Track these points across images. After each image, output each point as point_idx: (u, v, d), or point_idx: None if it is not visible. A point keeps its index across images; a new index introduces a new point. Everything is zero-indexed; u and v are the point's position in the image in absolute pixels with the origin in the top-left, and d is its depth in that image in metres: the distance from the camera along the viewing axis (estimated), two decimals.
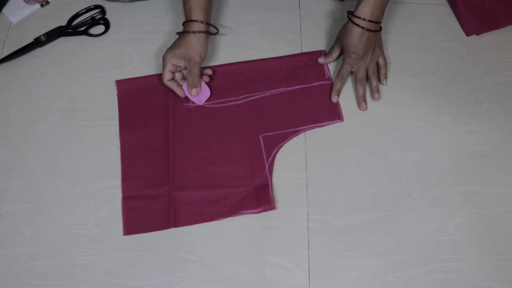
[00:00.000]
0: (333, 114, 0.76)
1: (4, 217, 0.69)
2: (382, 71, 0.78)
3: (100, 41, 0.83)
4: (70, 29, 0.84)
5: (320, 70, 0.80)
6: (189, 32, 0.72)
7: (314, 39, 0.83)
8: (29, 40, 0.81)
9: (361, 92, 0.77)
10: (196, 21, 0.72)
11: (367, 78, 0.78)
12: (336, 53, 0.79)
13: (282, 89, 0.78)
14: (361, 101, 0.76)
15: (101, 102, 0.77)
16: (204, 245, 0.67)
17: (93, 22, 0.84)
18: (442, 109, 0.77)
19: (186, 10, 0.73)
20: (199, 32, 0.72)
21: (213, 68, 0.80)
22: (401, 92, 0.78)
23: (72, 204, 0.69)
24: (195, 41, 0.72)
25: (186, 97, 0.76)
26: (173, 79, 0.75)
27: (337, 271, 0.66)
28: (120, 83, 0.78)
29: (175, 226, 0.68)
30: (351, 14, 0.75)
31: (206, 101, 0.77)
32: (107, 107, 0.77)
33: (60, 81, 0.79)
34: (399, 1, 0.87)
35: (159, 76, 0.76)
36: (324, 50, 0.82)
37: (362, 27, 0.73)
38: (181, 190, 0.70)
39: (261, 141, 0.74)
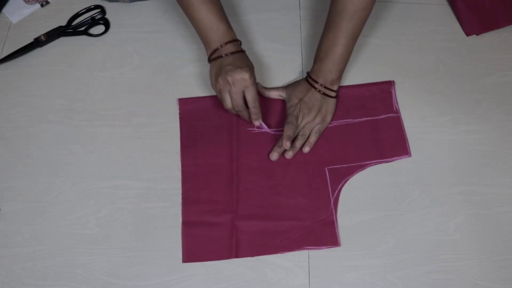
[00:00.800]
0: (401, 149, 0.73)
1: (4, 217, 0.69)
2: (312, 139, 0.72)
3: (100, 41, 0.83)
4: (70, 29, 0.84)
5: (389, 102, 0.77)
6: (243, 51, 0.69)
7: (314, 39, 0.83)
8: (29, 40, 0.81)
9: (297, 144, 0.71)
10: (236, 40, 0.69)
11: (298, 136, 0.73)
12: (276, 92, 0.75)
13: (349, 120, 0.75)
14: (286, 150, 0.71)
15: (101, 102, 0.77)
16: None
17: (93, 22, 0.84)
18: (442, 109, 0.77)
19: (218, 30, 0.67)
20: (241, 51, 0.69)
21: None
22: (401, 92, 0.78)
23: (72, 204, 0.69)
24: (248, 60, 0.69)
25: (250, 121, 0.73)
26: None
27: (337, 271, 0.66)
28: (182, 102, 0.76)
29: (237, 256, 0.66)
30: (308, 75, 0.73)
31: (272, 128, 0.74)
32: (107, 107, 0.77)
33: (60, 81, 0.79)
34: (400, 1, 0.87)
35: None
36: (393, 81, 0.79)
37: (318, 91, 0.72)
38: (244, 219, 0.68)
39: (327, 173, 0.71)
